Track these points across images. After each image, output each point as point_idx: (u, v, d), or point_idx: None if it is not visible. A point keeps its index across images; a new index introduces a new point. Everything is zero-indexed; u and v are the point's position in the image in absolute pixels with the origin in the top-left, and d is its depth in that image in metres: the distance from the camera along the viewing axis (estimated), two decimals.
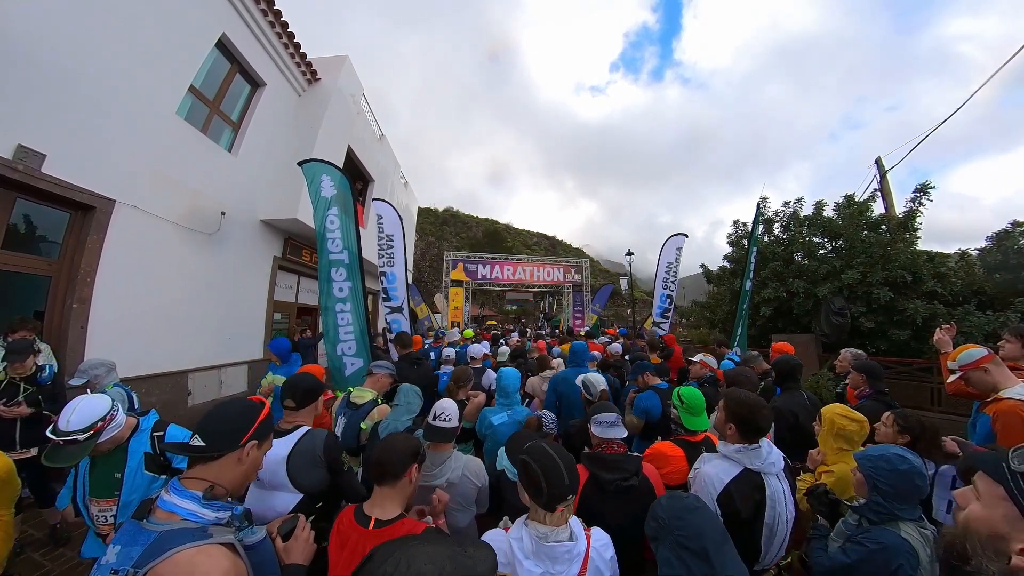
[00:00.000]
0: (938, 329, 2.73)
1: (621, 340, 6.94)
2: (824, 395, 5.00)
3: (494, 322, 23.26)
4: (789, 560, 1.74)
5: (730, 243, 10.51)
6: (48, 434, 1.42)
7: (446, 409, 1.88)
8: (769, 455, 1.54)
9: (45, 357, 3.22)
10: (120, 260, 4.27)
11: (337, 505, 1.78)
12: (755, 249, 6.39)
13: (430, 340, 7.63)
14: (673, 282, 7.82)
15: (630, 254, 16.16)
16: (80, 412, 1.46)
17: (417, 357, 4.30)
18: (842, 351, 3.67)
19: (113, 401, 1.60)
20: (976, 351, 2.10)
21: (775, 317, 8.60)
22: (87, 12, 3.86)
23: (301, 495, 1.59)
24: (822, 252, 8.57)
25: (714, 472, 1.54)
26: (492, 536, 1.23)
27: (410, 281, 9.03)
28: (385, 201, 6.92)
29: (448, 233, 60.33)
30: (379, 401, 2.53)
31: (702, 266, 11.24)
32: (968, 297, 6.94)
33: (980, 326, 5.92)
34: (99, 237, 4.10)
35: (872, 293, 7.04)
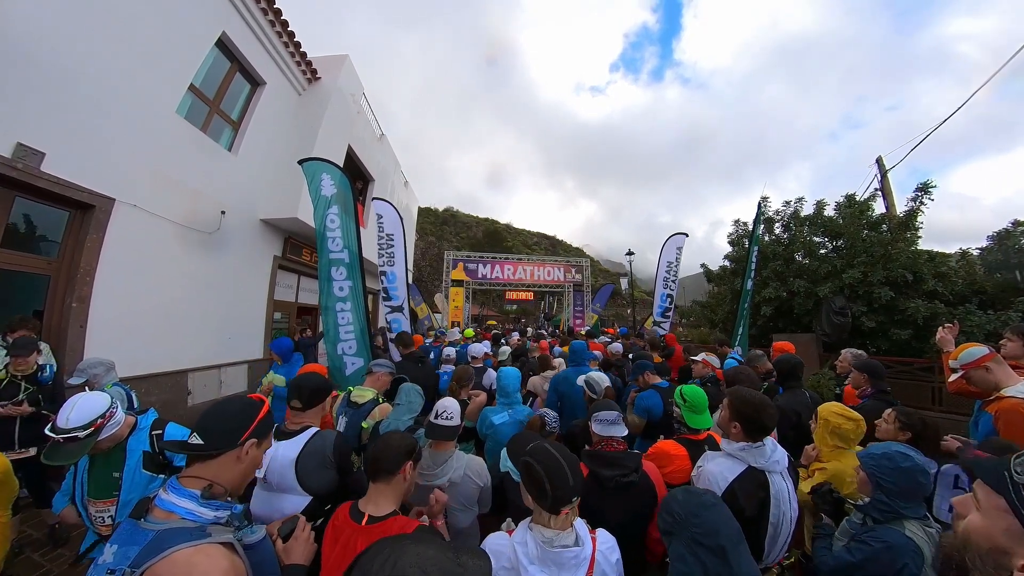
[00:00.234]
0: (941, 328, 2.72)
1: (620, 340, 6.93)
2: (825, 394, 4.98)
3: (494, 322, 23.24)
4: (792, 560, 1.74)
5: (730, 243, 10.50)
6: (47, 432, 1.40)
7: (448, 407, 1.87)
8: (773, 453, 1.53)
9: (45, 356, 3.22)
10: (120, 259, 4.26)
11: None
12: (756, 248, 6.38)
13: (430, 340, 7.63)
14: (673, 282, 7.81)
15: (630, 254, 16.15)
16: (79, 409, 1.45)
17: (420, 356, 4.29)
18: (842, 351, 3.66)
19: (112, 398, 1.59)
20: (977, 350, 2.09)
21: (776, 317, 8.59)
22: (87, 12, 3.85)
23: (310, 497, 1.56)
24: (823, 251, 8.55)
25: (718, 470, 1.53)
26: (495, 540, 1.21)
27: (410, 281, 9.02)
28: (385, 200, 6.91)
29: (448, 233, 60.33)
30: (380, 400, 2.52)
31: (703, 265, 11.23)
32: (969, 296, 6.93)
33: (981, 325, 5.91)
34: (98, 236, 4.09)
35: (873, 292, 7.03)
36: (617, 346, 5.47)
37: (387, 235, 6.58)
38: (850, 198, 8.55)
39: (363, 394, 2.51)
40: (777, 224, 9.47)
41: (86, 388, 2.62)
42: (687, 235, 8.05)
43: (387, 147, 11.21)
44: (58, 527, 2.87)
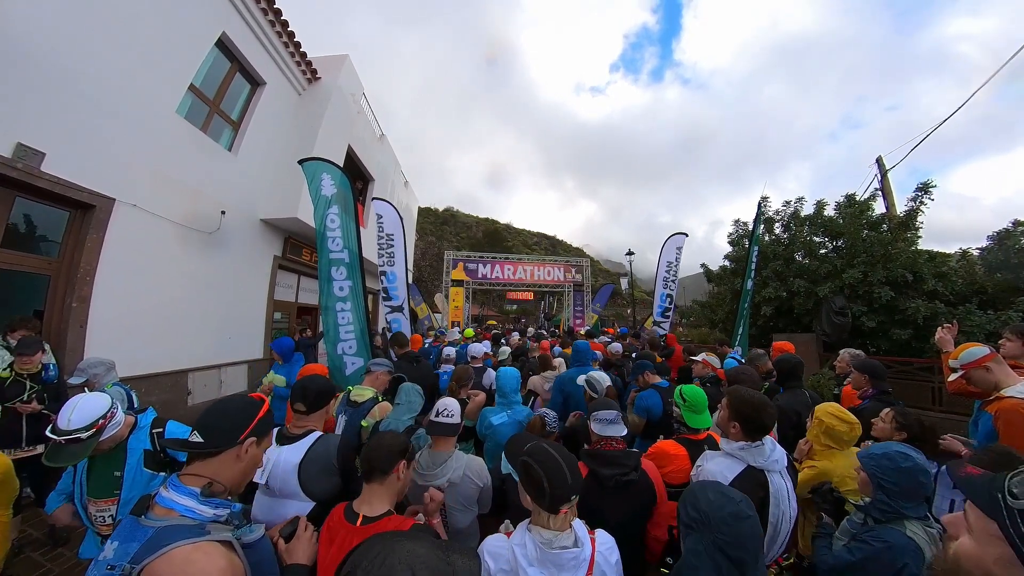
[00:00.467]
0: (940, 328, 2.72)
1: (619, 340, 6.94)
2: (825, 394, 4.99)
3: (494, 322, 23.25)
4: (792, 559, 1.74)
5: (730, 242, 10.51)
6: (48, 434, 1.39)
7: (448, 405, 1.87)
8: (772, 453, 1.53)
9: (47, 356, 3.24)
10: (120, 259, 4.26)
11: None
12: (756, 248, 6.38)
13: (430, 339, 7.63)
14: (673, 281, 7.81)
15: (630, 254, 16.15)
16: (80, 410, 1.44)
17: (416, 356, 4.29)
18: (841, 352, 3.66)
19: (112, 399, 1.58)
20: (978, 350, 2.09)
21: (776, 316, 8.59)
22: (87, 11, 3.85)
23: (313, 503, 1.53)
24: (823, 251, 8.56)
25: (717, 470, 1.52)
26: (494, 542, 1.20)
27: (410, 281, 9.02)
28: (385, 200, 6.92)
29: (448, 233, 60.34)
30: (379, 399, 2.53)
31: (703, 265, 11.24)
32: (969, 296, 6.92)
33: (981, 325, 5.91)
34: (99, 236, 4.10)
35: (873, 292, 7.03)
36: (617, 346, 5.47)
37: (387, 235, 6.58)
38: (850, 198, 8.55)
39: (362, 393, 2.51)
40: (777, 224, 9.48)
41: (85, 389, 2.63)
42: (687, 235, 8.05)
43: (387, 147, 11.22)
44: (58, 527, 2.88)
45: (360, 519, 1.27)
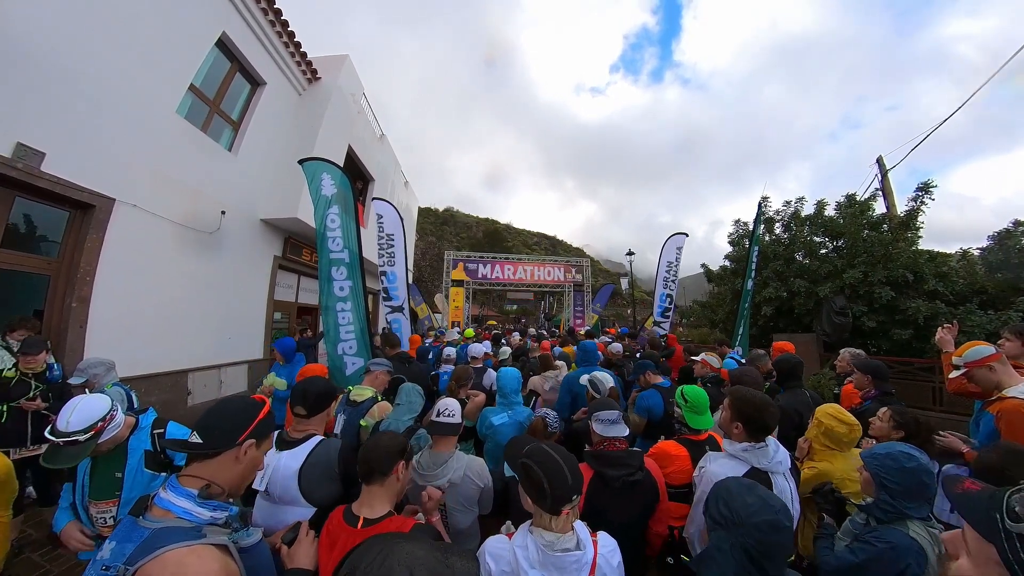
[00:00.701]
0: (940, 328, 2.72)
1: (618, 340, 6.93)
2: (826, 394, 4.99)
3: (495, 322, 23.25)
4: (792, 559, 1.73)
5: (731, 243, 10.50)
6: (47, 435, 1.39)
7: (449, 405, 1.87)
8: (776, 454, 1.52)
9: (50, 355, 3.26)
10: (120, 259, 4.26)
11: None
12: (756, 248, 6.38)
13: (430, 339, 7.63)
14: (673, 281, 7.80)
15: (630, 254, 16.14)
16: (80, 412, 1.43)
17: (408, 357, 4.28)
18: (841, 351, 3.65)
19: (112, 400, 1.57)
20: (985, 348, 2.09)
21: (776, 316, 8.58)
22: (87, 11, 3.85)
23: (314, 509, 1.51)
24: (823, 251, 8.55)
25: (720, 471, 1.51)
26: (495, 543, 1.20)
27: (410, 281, 9.02)
28: (385, 200, 6.91)
29: (448, 233, 60.36)
30: (378, 398, 2.52)
31: (703, 265, 11.23)
32: (970, 296, 6.92)
33: (982, 325, 5.91)
34: (98, 236, 4.09)
35: (873, 292, 7.03)
36: (617, 346, 5.47)
37: (387, 235, 6.58)
38: (850, 198, 8.55)
39: (362, 393, 2.50)
40: (777, 224, 9.48)
41: (86, 390, 2.63)
42: (687, 235, 8.05)
43: (387, 147, 11.21)
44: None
45: (361, 521, 1.26)
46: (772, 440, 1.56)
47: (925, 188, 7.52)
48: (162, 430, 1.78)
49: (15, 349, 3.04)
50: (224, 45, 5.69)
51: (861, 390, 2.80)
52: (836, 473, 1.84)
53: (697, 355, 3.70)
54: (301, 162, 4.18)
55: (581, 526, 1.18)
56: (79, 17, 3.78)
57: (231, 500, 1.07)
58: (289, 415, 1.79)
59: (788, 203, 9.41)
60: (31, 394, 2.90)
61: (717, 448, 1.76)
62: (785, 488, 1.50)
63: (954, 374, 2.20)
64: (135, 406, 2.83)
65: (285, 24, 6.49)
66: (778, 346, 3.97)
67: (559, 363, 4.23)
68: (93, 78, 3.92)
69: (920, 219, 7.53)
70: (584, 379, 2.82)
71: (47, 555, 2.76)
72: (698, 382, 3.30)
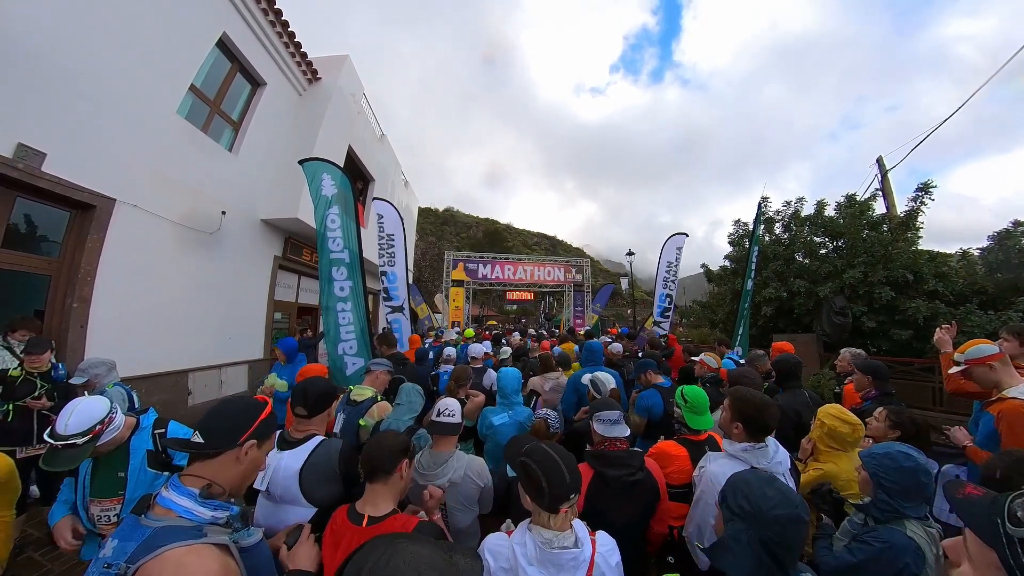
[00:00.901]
0: (938, 328, 2.72)
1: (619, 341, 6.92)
2: (826, 395, 4.99)
3: (495, 322, 23.25)
4: None
5: (731, 243, 10.50)
6: (45, 438, 1.39)
7: (449, 405, 1.88)
8: (776, 454, 1.53)
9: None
10: (120, 259, 4.26)
11: None
12: (756, 248, 6.39)
13: (430, 340, 7.63)
14: (673, 282, 7.81)
15: (630, 254, 16.14)
16: (78, 415, 1.43)
17: (403, 357, 4.29)
18: (841, 351, 3.66)
19: (111, 402, 1.57)
20: (988, 347, 2.08)
21: (776, 317, 8.58)
22: (87, 12, 3.85)
23: (315, 510, 1.51)
24: (823, 252, 8.55)
25: (720, 471, 1.51)
26: (494, 541, 1.21)
27: (411, 281, 9.02)
28: (386, 200, 6.92)
29: (448, 233, 60.37)
30: (378, 398, 2.53)
31: (703, 265, 11.23)
32: (970, 296, 6.92)
33: (982, 325, 5.90)
34: (99, 236, 4.09)
35: (873, 292, 7.03)
36: (617, 346, 5.47)
37: (387, 235, 6.59)
38: (850, 198, 8.55)
39: (362, 392, 2.51)
40: (777, 224, 9.47)
41: (85, 390, 2.63)
42: (687, 235, 8.05)
43: (387, 147, 11.21)
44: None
45: (365, 519, 1.27)
46: (772, 440, 1.57)
47: (925, 188, 7.52)
48: (163, 430, 1.79)
49: (16, 349, 3.06)
50: (224, 45, 5.70)
51: (861, 390, 2.80)
52: (842, 474, 1.83)
53: (697, 355, 3.71)
54: (301, 162, 4.18)
55: (579, 525, 1.19)
56: (79, 17, 3.78)
57: (232, 500, 1.07)
58: (290, 415, 1.79)
59: (788, 203, 9.41)
60: (36, 393, 2.94)
61: (717, 448, 1.77)
62: None
63: (953, 370, 2.20)
64: (136, 406, 2.83)
65: (285, 24, 6.50)
66: (777, 346, 3.97)
67: (559, 369, 4.21)
68: (93, 78, 3.93)
69: (920, 219, 7.53)
70: (586, 379, 2.83)
71: (49, 554, 2.76)
72: (698, 382, 3.31)
